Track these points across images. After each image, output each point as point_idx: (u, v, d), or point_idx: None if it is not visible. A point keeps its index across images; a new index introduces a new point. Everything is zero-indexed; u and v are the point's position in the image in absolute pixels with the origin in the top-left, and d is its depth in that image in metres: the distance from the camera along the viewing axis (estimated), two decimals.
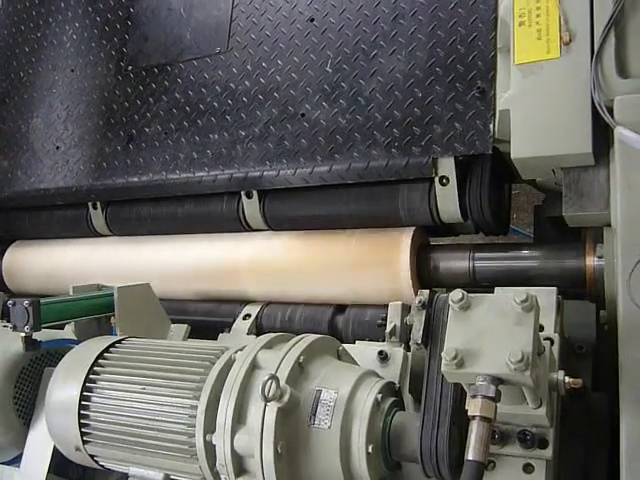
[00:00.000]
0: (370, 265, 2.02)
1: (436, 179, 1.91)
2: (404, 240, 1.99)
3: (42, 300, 1.82)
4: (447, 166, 1.88)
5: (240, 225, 2.29)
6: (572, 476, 1.56)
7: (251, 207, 2.24)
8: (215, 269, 2.31)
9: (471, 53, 1.87)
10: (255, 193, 2.22)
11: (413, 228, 2.01)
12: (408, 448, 1.40)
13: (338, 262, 2.07)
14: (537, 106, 1.65)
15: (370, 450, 1.36)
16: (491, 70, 1.82)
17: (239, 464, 1.41)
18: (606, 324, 1.80)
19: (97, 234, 2.66)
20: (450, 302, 1.30)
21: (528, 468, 1.38)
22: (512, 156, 1.68)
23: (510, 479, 1.38)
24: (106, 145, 2.54)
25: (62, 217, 2.70)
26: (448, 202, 1.92)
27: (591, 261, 1.79)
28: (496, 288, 1.51)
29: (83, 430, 1.64)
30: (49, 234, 2.77)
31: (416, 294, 1.46)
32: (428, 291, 1.44)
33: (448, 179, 1.90)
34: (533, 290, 1.29)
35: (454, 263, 2.01)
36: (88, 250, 2.64)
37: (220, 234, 2.37)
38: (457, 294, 1.29)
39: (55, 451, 1.79)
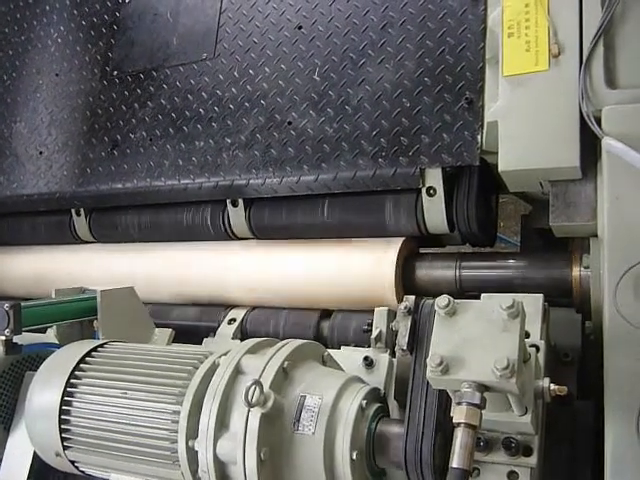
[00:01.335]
0: (356, 274, 2.00)
1: (423, 190, 1.89)
2: (391, 250, 1.97)
3: (23, 303, 1.78)
4: (434, 177, 1.87)
5: (225, 234, 2.27)
6: None
7: (237, 215, 2.22)
8: (201, 277, 2.29)
9: (460, 64, 1.86)
10: (241, 201, 2.20)
11: (402, 239, 2.00)
12: (393, 455, 1.39)
13: (324, 270, 2.06)
14: (525, 118, 1.64)
15: (354, 456, 1.34)
16: (479, 81, 1.81)
17: (221, 471, 1.39)
18: (592, 334, 1.79)
19: (81, 241, 2.62)
20: (436, 308, 1.29)
21: (513, 475, 1.37)
22: (499, 169, 1.67)
23: None
24: (90, 151, 2.51)
25: (45, 223, 2.66)
26: (435, 213, 1.91)
27: (577, 271, 1.78)
28: (482, 294, 1.50)
29: (64, 435, 1.61)
30: (32, 240, 2.73)
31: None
32: (414, 297, 1.43)
33: (435, 190, 1.88)
34: (519, 296, 1.28)
35: (440, 272, 2.00)
36: (72, 257, 2.60)
37: (205, 242, 2.35)
38: (443, 300, 1.28)
39: (35, 457, 1.75)
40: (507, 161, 1.66)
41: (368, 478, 1.42)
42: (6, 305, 1.72)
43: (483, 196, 1.95)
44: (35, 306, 1.85)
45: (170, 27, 2.48)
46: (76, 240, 2.63)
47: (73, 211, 2.57)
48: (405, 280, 2.00)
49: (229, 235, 2.28)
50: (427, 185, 1.89)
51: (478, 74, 1.82)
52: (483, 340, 1.23)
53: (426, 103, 1.89)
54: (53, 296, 1.96)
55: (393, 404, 1.63)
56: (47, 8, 2.84)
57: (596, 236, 1.63)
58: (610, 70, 1.58)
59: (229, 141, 2.21)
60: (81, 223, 2.57)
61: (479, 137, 1.77)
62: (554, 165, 1.61)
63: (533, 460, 1.35)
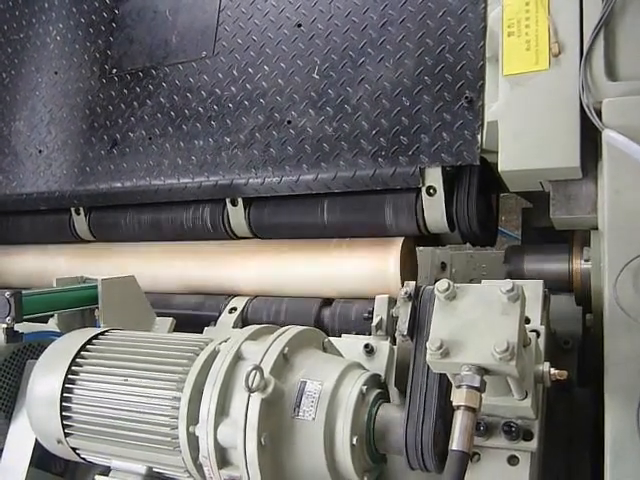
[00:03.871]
0: (359, 274, 2.01)
1: (423, 189, 1.88)
2: (394, 248, 1.97)
3: (24, 291, 1.79)
4: (434, 176, 1.86)
5: (225, 233, 2.26)
6: (556, 469, 1.57)
7: (236, 215, 2.21)
8: (202, 276, 2.29)
9: (460, 62, 1.85)
10: (240, 201, 2.19)
11: (402, 238, 2.00)
12: (393, 440, 1.39)
13: (327, 269, 2.07)
14: (525, 118, 1.63)
15: (354, 442, 1.34)
16: (479, 80, 1.80)
17: (222, 456, 1.40)
18: (592, 327, 1.79)
19: (80, 240, 2.62)
20: (436, 292, 1.29)
21: (513, 460, 1.37)
22: (499, 169, 1.66)
23: (495, 471, 1.38)
24: (89, 149, 2.50)
25: (44, 222, 2.65)
26: (435, 212, 1.90)
27: (578, 264, 1.79)
28: (483, 280, 1.50)
29: (65, 423, 1.62)
30: (31, 239, 2.73)
31: None
32: (414, 282, 1.42)
33: (435, 189, 1.87)
34: (520, 282, 1.28)
35: None
36: (71, 256, 2.61)
37: (206, 241, 2.35)
38: (443, 284, 1.28)
39: (37, 444, 1.75)
40: (507, 161, 1.65)
41: (368, 463, 1.42)
42: (7, 293, 1.73)
43: (483, 195, 1.94)
44: (36, 294, 1.85)
45: (169, 25, 2.47)
46: (76, 239, 2.62)
47: (73, 210, 2.56)
48: (407, 274, 1.99)
49: (229, 234, 2.27)
50: (427, 184, 1.88)
51: (478, 73, 1.81)
52: (483, 323, 1.23)
53: (426, 102, 1.88)
54: (54, 285, 1.96)
55: (393, 391, 1.62)
56: (46, 5, 2.83)
57: (597, 229, 1.62)
58: (610, 62, 1.57)
59: (228, 140, 2.20)
60: (81, 222, 2.56)
61: (479, 136, 1.77)
62: (554, 165, 1.60)
63: (533, 445, 1.35)
